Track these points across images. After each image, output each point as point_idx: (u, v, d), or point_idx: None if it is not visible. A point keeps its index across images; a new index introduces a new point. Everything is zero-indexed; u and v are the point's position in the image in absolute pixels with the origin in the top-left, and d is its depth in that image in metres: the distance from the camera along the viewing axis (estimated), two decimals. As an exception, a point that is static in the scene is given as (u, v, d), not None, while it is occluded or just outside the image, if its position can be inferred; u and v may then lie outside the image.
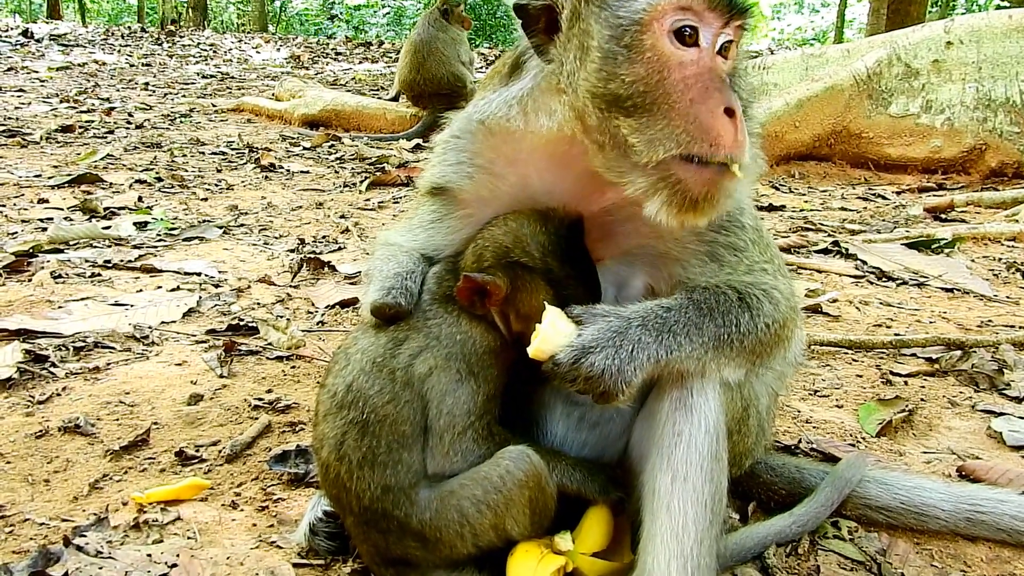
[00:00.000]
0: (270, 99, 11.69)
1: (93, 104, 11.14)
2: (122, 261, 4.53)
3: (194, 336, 3.49)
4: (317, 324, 3.73)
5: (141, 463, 2.48)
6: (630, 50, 1.61)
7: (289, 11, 39.91)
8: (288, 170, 7.68)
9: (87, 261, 4.51)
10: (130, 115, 10.36)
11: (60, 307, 3.71)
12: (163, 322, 3.63)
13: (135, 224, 5.33)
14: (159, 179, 6.88)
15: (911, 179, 7.61)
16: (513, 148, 1.88)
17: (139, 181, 6.76)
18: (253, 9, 34.58)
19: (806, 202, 6.79)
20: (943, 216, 6.09)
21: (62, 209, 5.68)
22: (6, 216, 5.41)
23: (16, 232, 5.02)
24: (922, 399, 3.03)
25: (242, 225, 5.57)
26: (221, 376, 3.09)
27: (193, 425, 2.73)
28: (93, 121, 9.69)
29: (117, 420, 2.72)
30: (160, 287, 4.11)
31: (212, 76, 15.42)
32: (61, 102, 11.17)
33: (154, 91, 12.99)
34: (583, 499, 1.86)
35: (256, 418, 2.76)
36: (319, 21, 37.64)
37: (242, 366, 3.22)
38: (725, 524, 1.87)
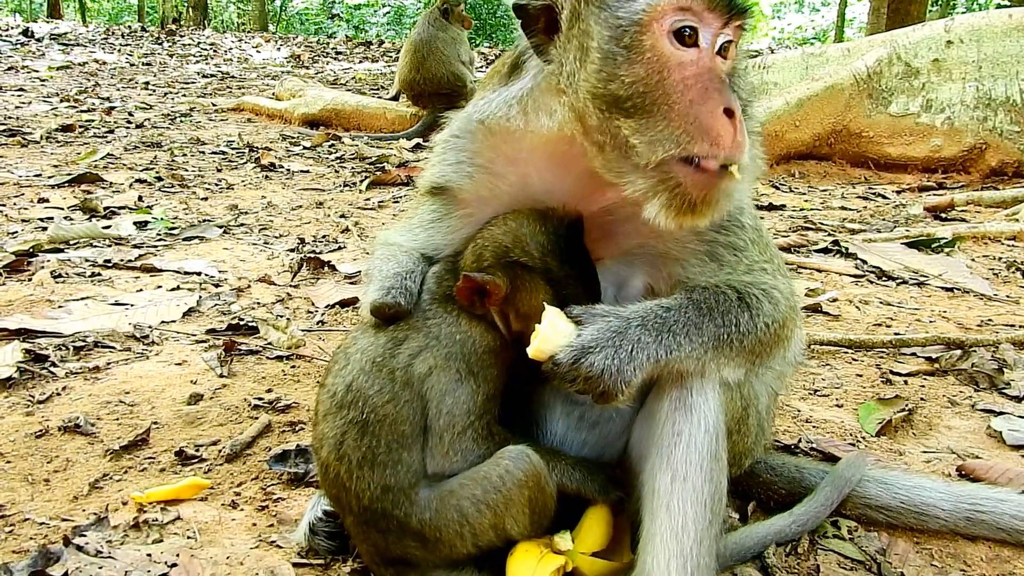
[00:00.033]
0: (270, 98, 11.69)
1: (93, 103, 11.14)
2: (122, 261, 4.53)
3: (194, 336, 3.49)
4: (317, 324, 3.74)
5: (141, 463, 2.48)
6: (630, 51, 1.61)
7: (289, 10, 39.90)
8: (288, 169, 7.68)
9: (87, 261, 4.51)
10: (130, 114, 10.36)
11: (60, 307, 3.72)
12: (163, 322, 3.63)
13: (135, 223, 5.33)
14: (159, 178, 6.88)
15: (911, 178, 7.61)
16: (513, 148, 1.88)
17: (139, 180, 6.76)
18: (253, 8, 34.57)
19: (806, 201, 6.79)
20: (943, 215, 6.09)
21: (62, 208, 5.68)
22: (6, 216, 5.41)
23: (16, 231, 5.02)
24: (922, 398, 3.03)
25: (242, 225, 5.58)
26: (221, 376, 3.09)
27: (193, 425, 2.73)
28: (93, 120, 9.69)
29: (117, 420, 2.72)
30: (160, 287, 4.11)
31: (212, 75, 15.42)
32: (61, 101, 11.17)
33: (154, 90, 12.99)
34: (583, 499, 1.86)
35: (256, 418, 2.76)
36: (319, 20, 37.63)
37: (242, 366, 3.22)
38: (725, 524, 1.87)
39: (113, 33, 22.58)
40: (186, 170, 7.32)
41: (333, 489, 1.84)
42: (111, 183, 6.59)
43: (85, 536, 2.03)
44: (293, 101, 11.02)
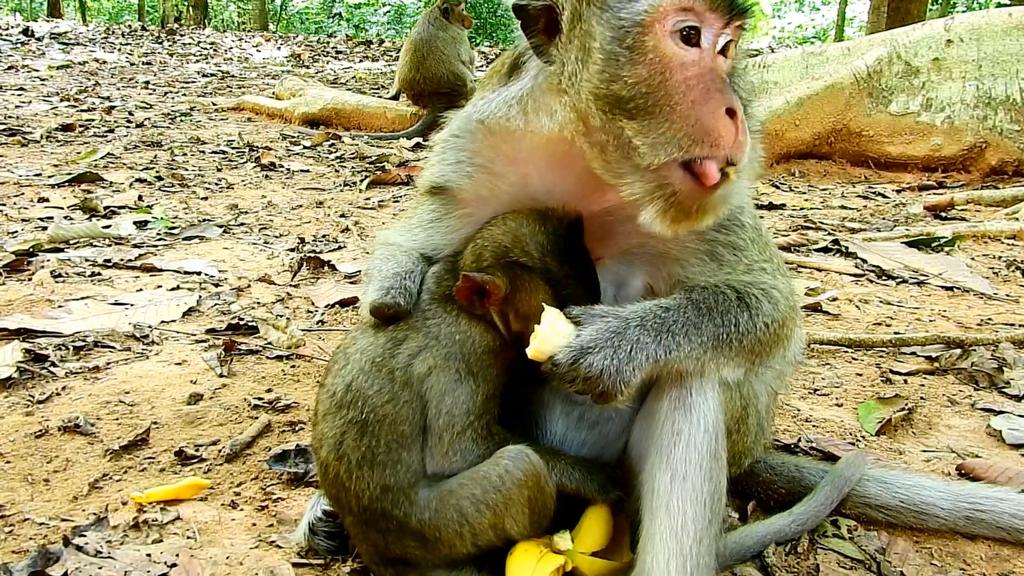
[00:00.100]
0: (270, 98, 11.68)
1: (93, 103, 11.14)
2: (122, 260, 4.53)
3: (194, 335, 3.49)
4: (317, 323, 3.74)
5: (141, 463, 2.48)
6: (632, 51, 1.61)
7: (289, 9, 39.91)
8: (288, 169, 7.68)
9: (87, 260, 4.51)
10: (130, 114, 10.36)
11: (60, 306, 3.72)
12: (163, 321, 3.63)
13: (135, 223, 5.33)
14: (159, 178, 6.88)
15: (911, 177, 7.61)
16: (513, 147, 1.88)
17: (139, 180, 6.76)
18: (254, 7, 34.54)
19: (806, 200, 6.79)
20: (943, 214, 6.09)
21: (62, 208, 5.68)
22: (6, 215, 5.41)
23: (16, 231, 5.02)
24: (922, 397, 3.03)
25: (242, 224, 5.57)
26: (221, 375, 3.09)
27: (193, 425, 2.73)
28: (93, 120, 9.69)
29: (117, 420, 2.72)
30: (160, 286, 4.11)
31: (212, 75, 15.41)
32: (61, 101, 11.17)
33: (154, 90, 12.99)
34: (582, 498, 1.86)
35: (256, 418, 2.76)
36: (319, 19, 37.62)
37: (242, 365, 3.22)
38: (724, 523, 1.87)
39: (113, 32, 22.58)
40: (186, 169, 7.32)
41: (333, 489, 1.84)
42: (111, 182, 6.59)
43: (85, 536, 2.03)
44: (293, 100, 11.02)
